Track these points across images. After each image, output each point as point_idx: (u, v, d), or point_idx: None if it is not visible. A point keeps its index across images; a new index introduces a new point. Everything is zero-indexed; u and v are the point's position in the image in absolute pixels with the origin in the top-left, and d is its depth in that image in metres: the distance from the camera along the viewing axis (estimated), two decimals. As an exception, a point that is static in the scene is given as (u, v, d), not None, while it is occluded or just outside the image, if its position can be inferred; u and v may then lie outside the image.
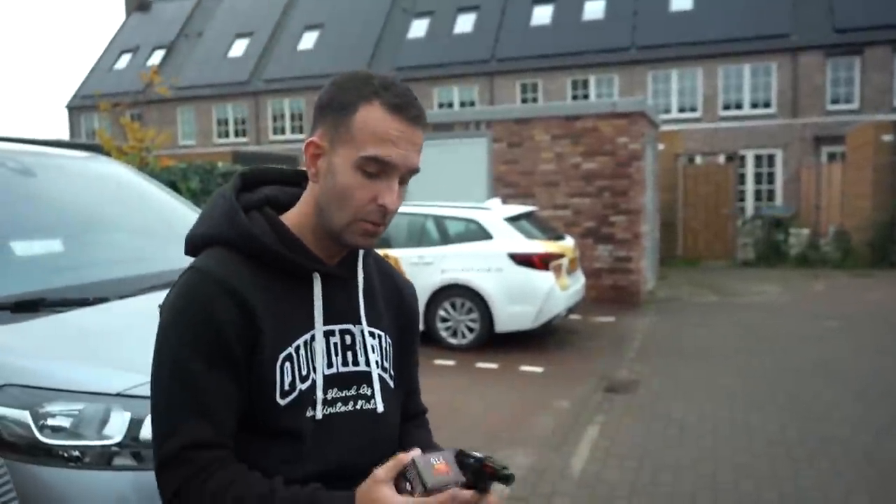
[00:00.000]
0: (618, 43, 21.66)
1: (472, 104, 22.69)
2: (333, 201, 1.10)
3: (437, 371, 6.44)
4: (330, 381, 1.14)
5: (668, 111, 20.79)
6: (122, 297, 2.39)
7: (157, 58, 28.16)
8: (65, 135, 28.72)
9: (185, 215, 3.40)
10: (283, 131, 25.61)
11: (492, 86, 22.78)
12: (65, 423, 1.81)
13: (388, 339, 1.24)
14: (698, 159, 18.42)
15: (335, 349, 1.16)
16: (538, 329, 7.18)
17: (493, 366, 6.65)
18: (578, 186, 9.96)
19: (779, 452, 4.34)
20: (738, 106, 20.70)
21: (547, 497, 3.81)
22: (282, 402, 1.09)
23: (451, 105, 23.12)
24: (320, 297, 1.15)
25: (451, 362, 6.77)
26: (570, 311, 7.68)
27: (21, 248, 2.64)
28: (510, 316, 7.06)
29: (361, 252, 1.23)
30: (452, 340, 7.25)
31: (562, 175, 10.03)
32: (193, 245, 1.18)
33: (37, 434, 1.79)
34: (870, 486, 3.83)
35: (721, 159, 17.69)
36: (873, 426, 4.77)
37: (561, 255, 7.32)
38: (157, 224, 3.23)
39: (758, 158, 20.26)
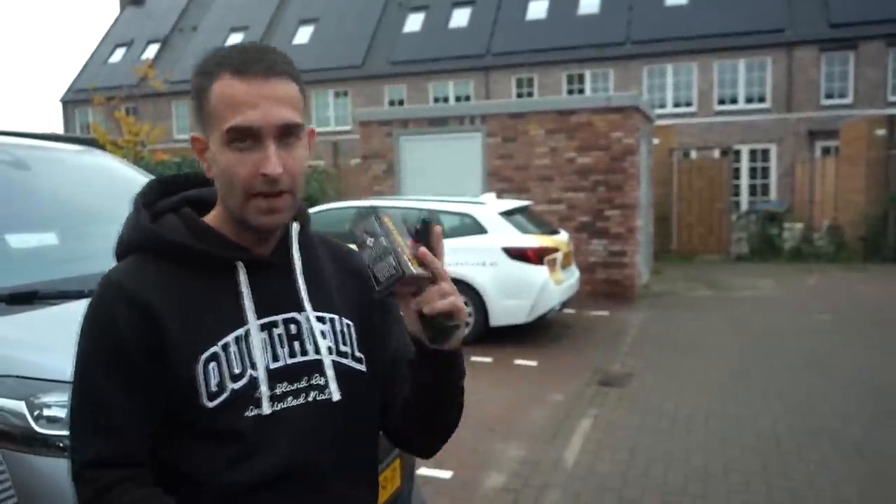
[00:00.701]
0: (613, 37, 21.66)
1: (468, 99, 22.68)
2: (224, 187, 1.06)
3: (432, 365, 6.45)
4: (277, 375, 1.06)
5: (663, 106, 20.81)
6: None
7: (151, 51, 28.04)
8: (59, 129, 28.62)
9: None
10: (278, 125, 25.56)
11: (487, 80, 22.76)
12: (60, 413, 1.83)
13: (346, 321, 1.16)
14: (693, 154, 18.47)
15: (280, 341, 1.08)
16: (532, 323, 7.20)
17: (488, 359, 6.68)
18: (573, 181, 9.98)
19: (769, 445, 4.38)
20: (733, 101, 20.74)
21: (539, 489, 3.85)
22: (210, 404, 1.02)
23: (446, 99, 23.10)
24: (247, 287, 1.07)
25: (445, 356, 6.78)
26: (565, 305, 7.71)
27: (16, 240, 2.65)
28: (505, 310, 7.09)
29: (294, 235, 1.15)
30: (447, 334, 7.26)
31: (556, 170, 10.05)
32: (118, 258, 1.14)
33: (33, 424, 1.81)
34: (858, 479, 3.88)
35: (716, 154, 17.75)
36: (863, 419, 4.81)
37: (555, 250, 7.34)
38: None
39: (752, 153, 20.30)
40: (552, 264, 7.22)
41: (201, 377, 1.02)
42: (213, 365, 1.02)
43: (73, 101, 28.15)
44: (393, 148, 10.69)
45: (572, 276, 7.88)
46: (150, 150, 13.07)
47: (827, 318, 8.19)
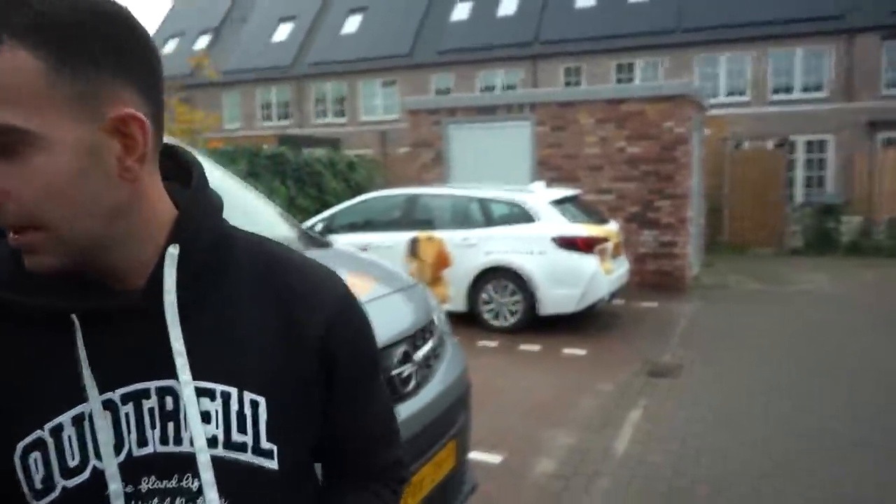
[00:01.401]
0: (664, 25, 21.25)
1: (515, 88, 22.55)
2: None
3: (480, 352, 6.49)
4: (143, 466, 0.75)
5: (715, 95, 20.36)
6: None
7: (203, 42, 28.61)
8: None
9: (240, 192, 3.51)
10: (325, 115, 25.83)
11: (535, 69, 22.59)
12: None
13: (252, 396, 0.77)
14: (746, 144, 18.04)
15: (152, 418, 0.75)
16: (581, 313, 7.17)
17: (536, 348, 6.67)
18: (623, 171, 9.87)
19: (818, 444, 4.29)
20: (789, 90, 20.17)
21: (589, 476, 3.85)
22: (41, 501, 0.74)
23: (493, 89, 23.02)
24: (85, 348, 0.74)
25: (493, 343, 6.82)
26: (614, 295, 7.65)
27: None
28: (553, 299, 7.07)
29: (171, 264, 0.75)
30: (495, 322, 7.29)
31: (606, 159, 9.94)
32: None
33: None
34: (920, 476, 3.78)
35: (770, 144, 17.31)
36: (925, 416, 4.68)
37: (605, 240, 7.29)
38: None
39: (808, 144, 19.74)
40: (602, 254, 7.17)
41: (21, 471, 0.73)
42: (35, 455, 0.73)
43: (128, 90, 28.92)
44: (441, 136, 10.71)
45: (622, 267, 7.81)
46: (204, 138, 13.36)
47: (883, 316, 7.95)
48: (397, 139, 21.11)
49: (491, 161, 10.28)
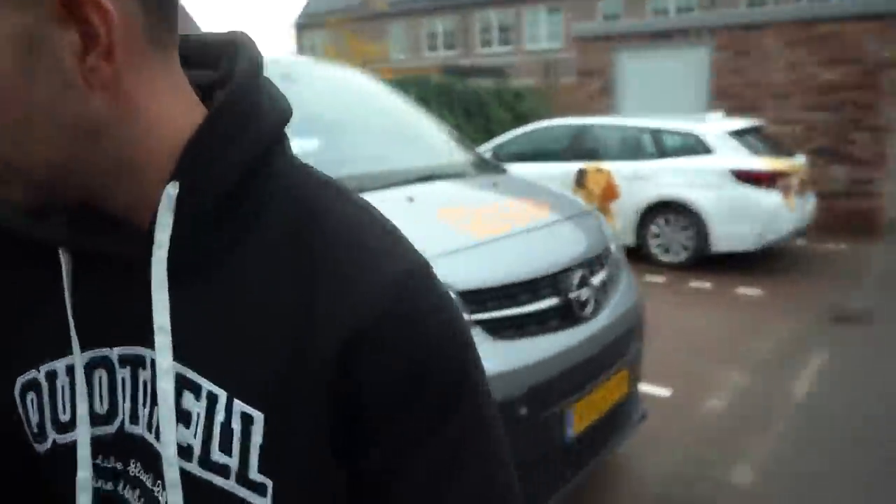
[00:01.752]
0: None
1: (690, 12, 21.02)
2: None
3: (647, 287, 6.33)
4: (132, 448, 0.58)
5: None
6: (362, 191, 2.63)
7: (372, -27, 29.13)
8: (291, 52, 31.02)
9: (419, 119, 3.63)
10: (490, 44, 25.60)
11: (715, -10, 20.89)
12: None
13: (245, 408, 0.53)
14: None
15: (144, 394, 0.57)
16: (758, 252, 6.77)
17: (707, 285, 6.41)
18: (814, 99, 9.00)
19: None
20: None
21: (764, 418, 3.71)
22: (39, 447, 0.61)
23: (665, 13, 21.61)
24: (69, 292, 0.58)
25: (661, 279, 6.63)
26: (797, 235, 7.14)
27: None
28: (729, 236, 6.71)
29: (167, 207, 0.52)
30: (664, 258, 7.06)
31: (794, 86, 9.10)
32: None
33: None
34: None
35: None
36: None
37: (789, 174, 6.76)
38: (395, 126, 3.48)
39: None
40: (785, 190, 6.66)
41: (21, 409, 0.61)
42: (31, 396, 0.60)
43: (305, 24, 30.24)
44: (611, 64, 10.29)
45: (807, 204, 7.23)
46: (374, 69, 13.74)
47: None
48: (562, 68, 20.56)
49: (663, 90, 9.75)
